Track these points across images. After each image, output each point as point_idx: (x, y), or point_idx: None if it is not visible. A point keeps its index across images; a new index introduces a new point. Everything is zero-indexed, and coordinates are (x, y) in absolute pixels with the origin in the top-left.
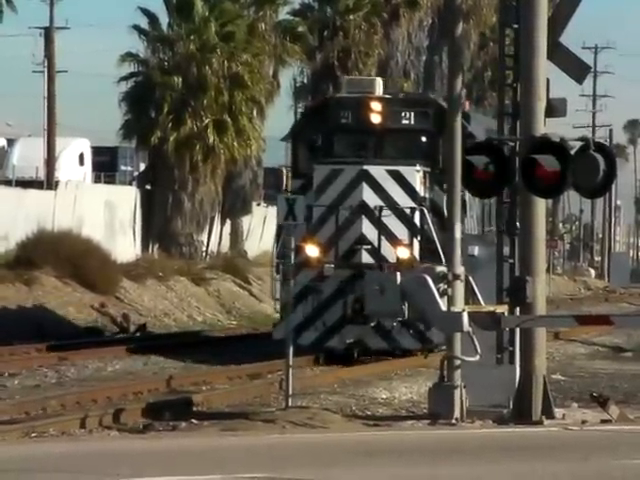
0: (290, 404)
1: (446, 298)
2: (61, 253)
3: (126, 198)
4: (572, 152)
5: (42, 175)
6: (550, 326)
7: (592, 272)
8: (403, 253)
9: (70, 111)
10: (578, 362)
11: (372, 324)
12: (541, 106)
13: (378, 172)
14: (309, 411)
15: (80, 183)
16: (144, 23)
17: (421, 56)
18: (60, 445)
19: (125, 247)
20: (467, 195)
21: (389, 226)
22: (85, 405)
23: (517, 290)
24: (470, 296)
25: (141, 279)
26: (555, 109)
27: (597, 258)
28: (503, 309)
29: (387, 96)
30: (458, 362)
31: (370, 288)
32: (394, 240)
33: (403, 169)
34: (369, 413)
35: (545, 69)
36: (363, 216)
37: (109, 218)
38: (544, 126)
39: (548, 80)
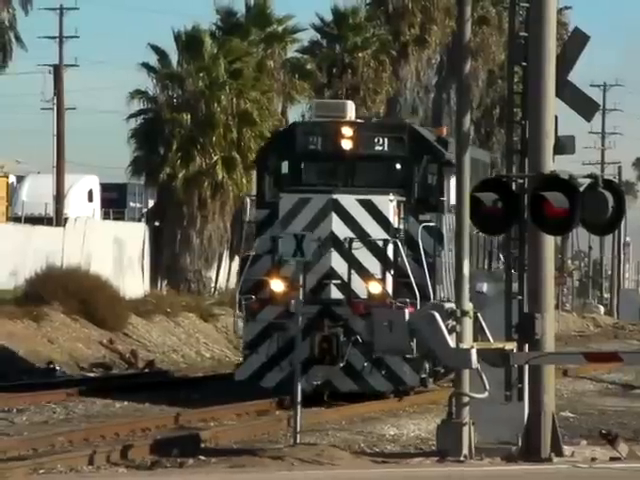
0: (298, 441)
1: (454, 335)
2: (70, 289)
3: (135, 234)
4: (581, 189)
5: (51, 212)
6: (559, 363)
7: (601, 309)
8: (375, 288)
9: (79, 148)
10: (587, 399)
11: (341, 364)
12: (549, 143)
13: (348, 201)
14: (317, 448)
15: (89, 219)
16: (153, 60)
17: (429, 93)
18: None
19: (134, 283)
20: (444, 227)
21: (360, 259)
22: (93, 441)
23: (526, 327)
24: (478, 333)
25: (149, 315)
26: (564, 146)
27: (606, 295)
28: (512, 346)
29: (359, 120)
30: (466, 399)
31: (378, 325)
32: (365, 274)
33: (375, 198)
34: (377, 450)
35: (553, 106)
36: (332, 248)
37: (118, 254)
38: (553, 163)
39: (556, 117)
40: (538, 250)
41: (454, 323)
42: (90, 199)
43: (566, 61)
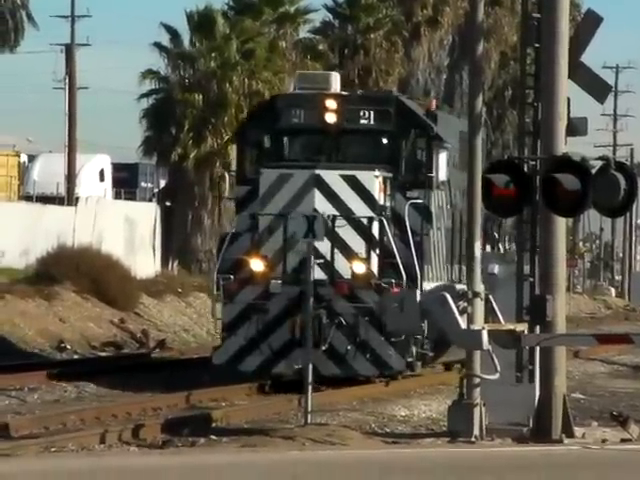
0: (309, 421)
1: (466, 316)
2: (81, 269)
3: (146, 214)
4: (593, 171)
5: (62, 191)
6: (570, 345)
7: (612, 291)
8: (359, 268)
9: (91, 127)
10: (598, 381)
11: (323, 348)
12: (562, 125)
13: (332, 177)
14: (328, 428)
15: (100, 199)
16: (165, 40)
17: (442, 75)
18: (79, 460)
19: (145, 263)
20: (433, 204)
21: (344, 238)
22: (104, 420)
23: (537, 308)
24: (490, 314)
25: (160, 295)
26: (576, 128)
27: (617, 277)
28: (523, 327)
29: (343, 93)
30: (477, 380)
31: (389, 306)
32: (349, 254)
33: (360, 174)
34: (388, 430)
35: (566, 88)
36: None
37: (129, 234)
38: (565, 145)
39: (569, 99)
40: (550, 232)
41: (465, 304)
42: (101, 179)
43: (579, 43)
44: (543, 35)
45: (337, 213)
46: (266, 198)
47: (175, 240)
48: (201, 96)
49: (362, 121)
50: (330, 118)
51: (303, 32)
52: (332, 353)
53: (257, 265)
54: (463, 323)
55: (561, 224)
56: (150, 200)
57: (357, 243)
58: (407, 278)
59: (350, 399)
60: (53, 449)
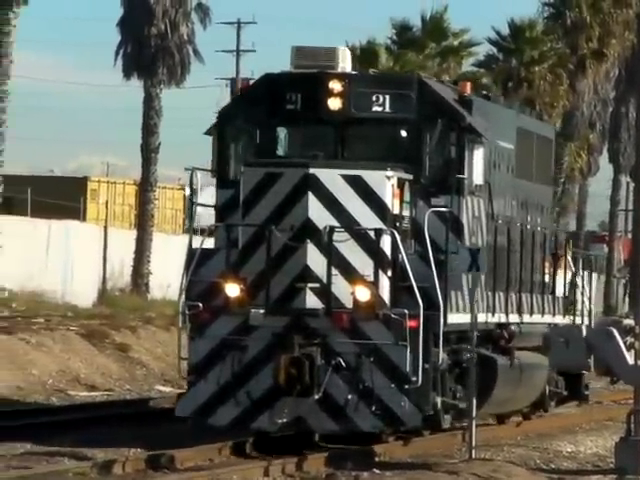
0: (474, 456)
1: (633, 352)
2: None
3: None
4: None
5: None
6: None
7: None
8: (363, 294)
9: None
10: None
11: (316, 396)
12: None
13: (330, 178)
14: (493, 464)
15: None
16: None
17: (607, 107)
18: None
19: None
20: (464, 214)
21: (345, 255)
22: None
23: None
24: None
25: None
26: None
27: None
28: None
29: (352, 72)
30: None
31: (555, 340)
32: (352, 276)
33: (367, 174)
34: (553, 467)
35: None
36: (308, 240)
37: None
38: None
39: None
40: None
41: (632, 340)
42: None
43: None
44: None
45: (337, 224)
46: (248, 204)
47: None
48: None
49: (375, 108)
50: (334, 104)
51: (466, 65)
52: (327, 404)
53: (233, 290)
54: (630, 359)
55: None
56: None
57: (362, 262)
58: (426, 307)
59: (515, 434)
60: None
